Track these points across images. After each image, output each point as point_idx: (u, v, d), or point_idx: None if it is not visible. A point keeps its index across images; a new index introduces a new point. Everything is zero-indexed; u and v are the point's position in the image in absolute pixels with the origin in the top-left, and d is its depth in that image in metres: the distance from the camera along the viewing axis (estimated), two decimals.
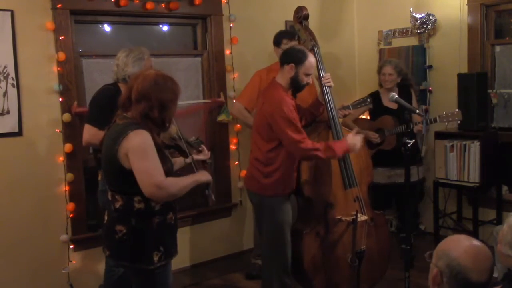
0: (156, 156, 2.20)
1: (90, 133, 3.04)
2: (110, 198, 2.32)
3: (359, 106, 3.78)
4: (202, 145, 2.61)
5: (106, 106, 2.94)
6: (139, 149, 2.15)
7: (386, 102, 4.24)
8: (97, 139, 2.93)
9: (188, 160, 2.55)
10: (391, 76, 4.22)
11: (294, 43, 3.86)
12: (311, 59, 3.06)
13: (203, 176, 2.43)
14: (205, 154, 2.58)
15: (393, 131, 4.11)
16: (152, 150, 2.18)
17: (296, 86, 3.09)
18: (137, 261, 2.27)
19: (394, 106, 4.23)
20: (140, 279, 2.34)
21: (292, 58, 3.06)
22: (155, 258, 2.27)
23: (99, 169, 3.20)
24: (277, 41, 3.97)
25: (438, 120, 3.92)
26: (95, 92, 3.23)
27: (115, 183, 2.29)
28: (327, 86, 3.27)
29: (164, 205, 2.30)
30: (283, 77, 3.09)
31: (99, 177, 3.23)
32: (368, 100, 3.80)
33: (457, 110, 3.78)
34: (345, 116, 3.68)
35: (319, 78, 3.31)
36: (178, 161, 2.56)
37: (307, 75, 3.06)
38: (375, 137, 4.08)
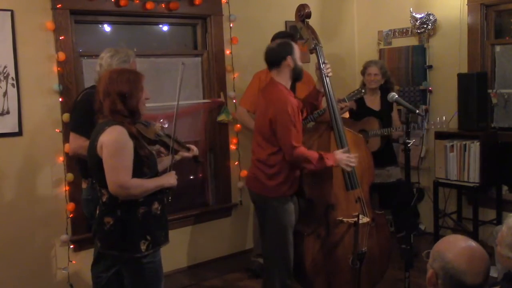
0: (129, 155, 2.30)
1: (77, 143, 2.90)
2: (99, 193, 2.44)
3: (354, 97, 3.79)
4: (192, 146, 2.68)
5: (90, 113, 2.75)
6: (112, 145, 2.28)
7: (369, 103, 4.25)
8: (84, 148, 2.69)
9: (178, 157, 2.61)
10: (376, 77, 4.22)
11: None
12: (294, 44, 3.13)
13: (169, 180, 2.49)
14: (193, 151, 2.65)
15: (377, 133, 4.09)
16: (125, 149, 2.29)
17: (298, 73, 3.11)
18: (125, 250, 2.39)
19: (377, 107, 4.25)
20: (130, 269, 2.46)
21: (284, 52, 3.06)
22: (143, 247, 2.38)
23: (83, 178, 3.14)
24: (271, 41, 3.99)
25: (426, 126, 3.97)
26: (76, 97, 3.18)
27: (99, 178, 2.39)
28: (327, 77, 3.26)
29: (148, 196, 2.40)
30: (283, 74, 3.09)
31: (84, 186, 3.15)
32: (363, 90, 3.80)
33: (444, 117, 3.85)
34: (342, 109, 3.68)
35: (320, 76, 3.29)
36: (166, 160, 2.61)
37: (299, 59, 3.12)
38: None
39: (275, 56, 3.08)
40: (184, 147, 2.63)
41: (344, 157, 3.10)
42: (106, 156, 2.28)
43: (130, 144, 2.30)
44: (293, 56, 3.06)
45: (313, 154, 3.00)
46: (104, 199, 2.40)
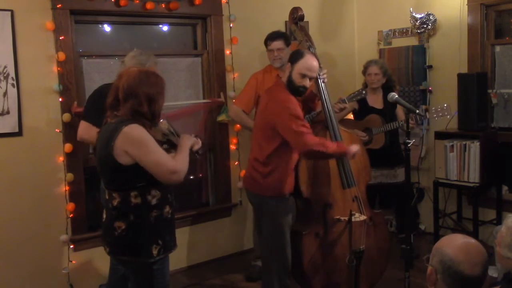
0: (156, 144, 2.27)
1: (83, 128, 3.13)
2: (107, 196, 2.36)
3: (354, 99, 3.79)
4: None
5: (99, 103, 2.94)
6: (139, 143, 2.21)
7: (372, 102, 4.26)
8: (89, 134, 3.03)
9: None
10: (377, 76, 4.22)
11: (277, 43, 3.88)
12: (307, 60, 3.02)
13: (188, 141, 2.46)
14: (197, 144, 2.57)
15: (381, 129, 4.11)
16: (151, 140, 2.25)
17: (291, 86, 3.04)
18: (137, 255, 2.32)
19: (379, 105, 4.25)
20: (139, 273, 2.39)
21: (290, 58, 3.11)
22: (154, 252, 2.32)
23: None
24: (264, 43, 4.01)
25: (427, 116, 3.93)
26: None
27: (111, 181, 2.34)
28: (323, 82, 3.27)
29: (161, 199, 2.34)
30: (284, 77, 3.11)
31: None
32: (364, 92, 3.80)
33: (446, 104, 3.81)
34: (341, 110, 3.68)
35: (316, 81, 3.29)
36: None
37: (303, 76, 3.01)
38: (363, 135, 4.08)
39: (290, 57, 3.14)
40: None
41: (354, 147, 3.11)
42: (142, 156, 2.21)
43: (151, 137, 2.27)
44: (292, 67, 3.03)
45: (323, 140, 3.02)
46: (115, 203, 2.30)
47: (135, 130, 2.22)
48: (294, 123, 2.91)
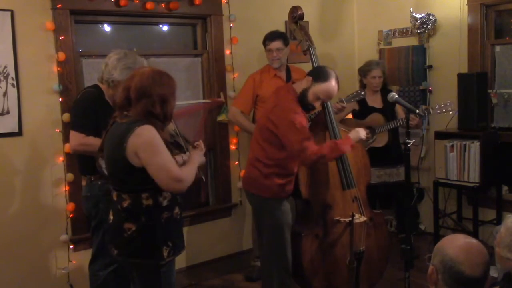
0: (166, 149, 2.24)
1: (76, 140, 2.90)
2: (115, 198, 2.33)
3: (352, 99, 3.79)
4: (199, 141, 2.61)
5: (90, 110, 2.90)
6: (149, 145, 2.18)
7: (371, 102, 4.27)
8: (84, 144, 2.86)
9: (186, 156, 2.56)
10: (380, 79, 4.23)
11: (276, 43, 3.87)
12: (329, 85, 2.99)
13: (200, 158, 2.47)
14: (201, 149, 2.56)
15: (384, 127, 4.12)
16: (161, 144, 2.22)
17: (302, 100, 3.04)
18: (148, 257, 2.29)
19: (379, 105, 4.26)
20: (147, 276, 2.35)
21: (314, 73, 3.08)
22: (165, 254, 2.29)
23: (82, 175, 3.09)
24: (262, 43, 4.01)
25: (431, 112, 3.94)
26: (76, 96, 3.18)
27: (122, 182, 2.30)
28: None
29: (171, 200, 2.33)
30: (300, 86, 3.08)
31: (83, 183, 3.08)
32: (362, 93, 3.80)
33: (449, 101, 3.81)
34: (340, 110, 3.69)
35: None
36: (177, 159, 2.56)
37: (317, 98, 3.02)
38: (366, 132, 4.08)
39: (312, 69, 3.15)
40: (192, 144, 2.58)
41: (356, 130, 3.18)
42: (149, 158, 2.17)
43: (162, 141, 2.24)
44: (312, 84, 3.00)
45: (324, 148, 2.99)
46: (125, 205, 2.27)
47: (147, 132, 2.19)
48: (296, 136, 2.89)
